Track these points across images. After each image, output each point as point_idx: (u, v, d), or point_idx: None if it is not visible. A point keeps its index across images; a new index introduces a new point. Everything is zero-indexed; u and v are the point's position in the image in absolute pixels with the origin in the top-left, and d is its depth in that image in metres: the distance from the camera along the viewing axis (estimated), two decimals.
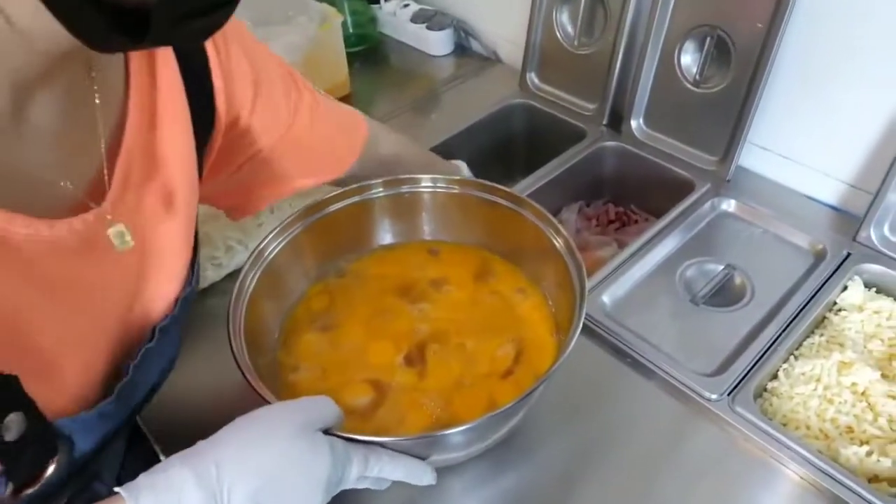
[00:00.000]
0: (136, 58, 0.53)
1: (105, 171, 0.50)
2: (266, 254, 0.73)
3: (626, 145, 1.13)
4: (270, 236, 0.74)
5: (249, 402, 0.60)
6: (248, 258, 0.72)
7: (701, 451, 0.74)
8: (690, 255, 0.95)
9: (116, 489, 0.46)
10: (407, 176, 0.81)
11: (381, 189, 0.81)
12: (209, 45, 0.59)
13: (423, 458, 0.61)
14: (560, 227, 0.74)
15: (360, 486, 0.57)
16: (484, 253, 0.85)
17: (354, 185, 0.80)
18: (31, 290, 0.45)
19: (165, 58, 0.55)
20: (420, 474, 0.60)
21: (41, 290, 0.46)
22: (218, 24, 0.43)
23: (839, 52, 0.91)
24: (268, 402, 0.57)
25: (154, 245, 0.57)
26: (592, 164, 1.13)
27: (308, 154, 0.78)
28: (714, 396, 0.76)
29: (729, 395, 0.76)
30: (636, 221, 1.14)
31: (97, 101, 0.49)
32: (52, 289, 0.47)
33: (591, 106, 1.19)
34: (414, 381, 0.72)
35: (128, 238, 0.49)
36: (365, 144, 0.83)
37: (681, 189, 1.05)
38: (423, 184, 0.81)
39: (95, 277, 0.51)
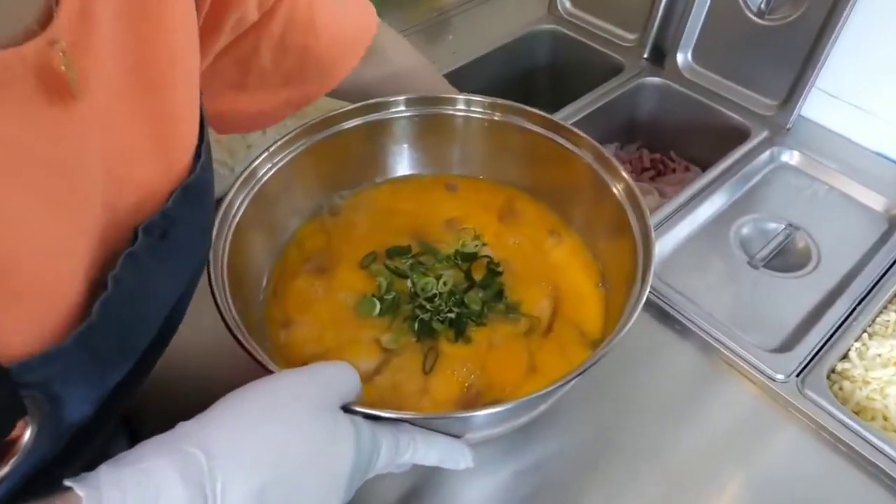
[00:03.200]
0: None
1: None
2: (259, 175, 0.59)
3: (670, 82, 0.99)
4: (266, 154, 0.60)
5: (241, 363, 0.47)
6: (236, 179, 0.57)
7: (762, 438, 0.63)
8: (745, 211, 0.82)
9: (67, 482, 0.32)
10: (437, 95, 0.67)
11: (403, 108, 0.66)
12: None
13: (457, 437, 0.48)
14: (621, 168, 0.61)
15: (383, 472, 0.45)
16: (508, 189, 0.72)
17: (373, 101, 0.65)
18: None
19: None
20: (457, 457, 0.48)
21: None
22: None
23: None
24: (268, 371, 0.44)
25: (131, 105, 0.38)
26: (630, 101, 0.99)
27: (301, 51, 0.61)
28: (780, 377, 0.65)
29: (798, 376, 0.65)
30: (674, 170, 1.01)
31: None
32: (13, 164, 0.31)
33: (630, 36, 1.05)
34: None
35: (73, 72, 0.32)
36: (370, 48, 0.67)
37: (731, 136, 0.92)
38: (458, 106, 0.67)
39: (66, 148, 0.34)
